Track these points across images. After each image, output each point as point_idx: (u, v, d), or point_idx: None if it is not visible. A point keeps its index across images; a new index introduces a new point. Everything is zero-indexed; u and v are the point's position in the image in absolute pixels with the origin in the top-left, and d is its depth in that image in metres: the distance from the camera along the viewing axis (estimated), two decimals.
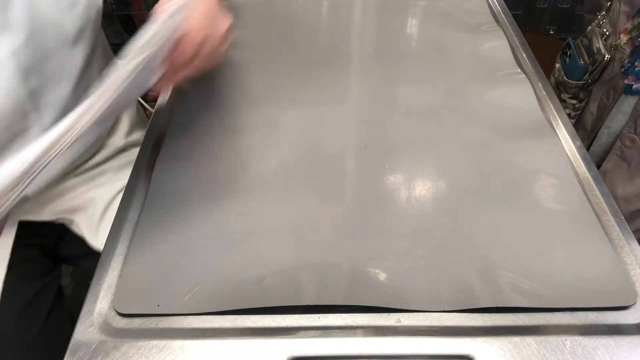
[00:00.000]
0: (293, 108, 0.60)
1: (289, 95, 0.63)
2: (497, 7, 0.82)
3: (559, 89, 0.84)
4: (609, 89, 0.74)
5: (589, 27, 0.79)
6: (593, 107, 0.78)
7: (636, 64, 0.66)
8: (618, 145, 0.72)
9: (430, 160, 0.53)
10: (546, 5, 1.41)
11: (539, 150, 0.54)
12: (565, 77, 0.81)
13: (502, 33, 0.73)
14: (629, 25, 0.70)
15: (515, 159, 0.53)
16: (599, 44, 0.74)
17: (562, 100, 0.82)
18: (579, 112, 0.83)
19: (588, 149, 0.79)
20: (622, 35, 0.71)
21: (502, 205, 0.48)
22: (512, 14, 0.79)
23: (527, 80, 0.64)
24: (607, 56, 0.72)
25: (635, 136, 0.69)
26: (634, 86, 0.67)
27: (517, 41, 0.73)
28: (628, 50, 0.69)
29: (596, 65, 0.74)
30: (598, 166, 0.75)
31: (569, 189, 0.49)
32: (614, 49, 0.72)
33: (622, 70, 0.69)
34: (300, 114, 0.59)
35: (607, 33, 0.74)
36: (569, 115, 0.78)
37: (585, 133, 0.81)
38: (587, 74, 0.77)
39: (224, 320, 0.39)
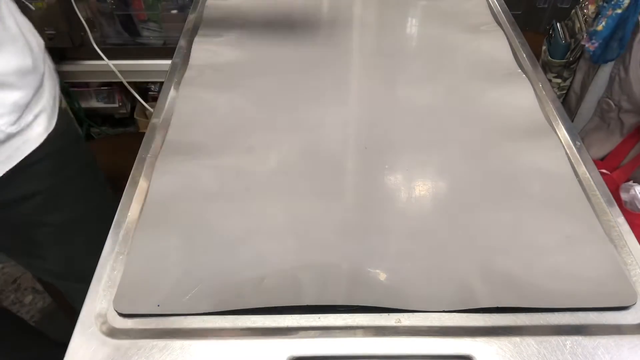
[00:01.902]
0: (293, 108, 0.60)
1: (289, 95, 0.62)
2: (497, 7, 0.82)
3: (544, 69, 0.86)
4: (589, 68, 0.76)
5: (572, 11, 0.82)
6: (577, 87, 0.81)
7: (594, 27, 0.69)
8: (598, 109, 0.74)
9: (430, 160, 0.53)
10: (546, 5, 1.41)
11: (539, 150, 0.54)
12: (549, 57, 0.84)
13: (502, 33, 0.73)
14: None
15: (515, 159, 0.53)
16: (580, 23, 0.77)
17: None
18: (564, 92, 0.85)
19: None
20: (590, 6, 0.73)
21: (502, 205, 0.48)
22: (512, 14, 0.79)
23: (527, 80, 0.64)
24: (585, 33, 0.75)
25: (610, 100, 0.71)
26: (586, 45, 0.69)
27: (517, 41, 0.73)
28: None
29: (577, 43, 0.77)
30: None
31: (569, 189, 0.49)
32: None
33: (586, 35, 0.71)
34: (301, 114, 0.59)
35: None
36: None
37: (570, 113, 0.83)
38: (569, 52, 0.79)
39: (224, 320, 0.39)
